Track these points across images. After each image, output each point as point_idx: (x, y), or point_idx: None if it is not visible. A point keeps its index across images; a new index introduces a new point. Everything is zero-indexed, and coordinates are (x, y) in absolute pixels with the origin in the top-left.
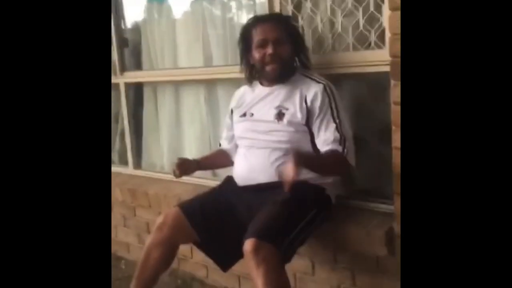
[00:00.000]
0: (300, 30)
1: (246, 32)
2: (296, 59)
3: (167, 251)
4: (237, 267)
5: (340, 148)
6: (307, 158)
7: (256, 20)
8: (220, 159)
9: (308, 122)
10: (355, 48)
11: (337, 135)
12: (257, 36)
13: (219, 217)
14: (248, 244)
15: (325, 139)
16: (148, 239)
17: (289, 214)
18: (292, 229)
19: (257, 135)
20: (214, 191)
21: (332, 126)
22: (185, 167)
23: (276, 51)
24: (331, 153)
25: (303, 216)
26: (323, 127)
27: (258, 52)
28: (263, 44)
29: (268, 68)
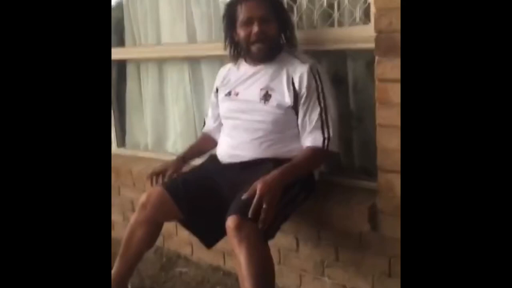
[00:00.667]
0: (285, 6)
1: (231, 9)
2: (282, 36)
3: (151, 229)
4: (221, 244)
5: (320, 140)
6: (284, 177)
7: None
8: (205, 144)
9: (295, 105)
10: (340, 24)
11: (320, 122)
12: (242, 13)
13: (203, 195)
14: (230, 221)
15: (307, 124)
16: (132, 218)
17: None
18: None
19: (242, 114)
20: (197, 169)
21: (317, 111)
22: (165, 174)
23: (262, 30)
24: (309, 152)
25: (285, 192)
26: (308, 112)
27: (243, 30)
28: (248, 22)
29: (254, 47)
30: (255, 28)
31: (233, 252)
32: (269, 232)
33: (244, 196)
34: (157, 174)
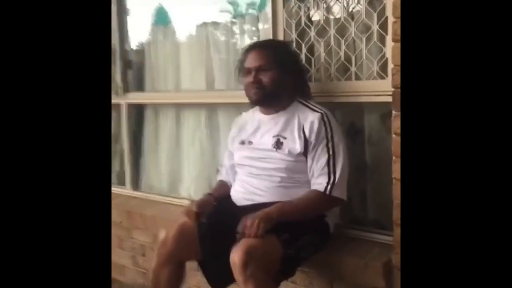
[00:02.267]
0: (301, 57)
1: (240, 59)
2: (292, 85)
3: (175, 268)
4: None
5: (323, 184)
6: (278, 215)
7: (249, 47)
8: (224, 189)
9: (305, 152)
10: (357, 78)
11: (327, 169)
12: (244, 64)
13: (219, 236)
14: (236, 257)
15: (315, 170)
16: (153, 263)
17: (285, 232)
18: (286, 247)
19: (255, 162)
20: (214, 211)
21: (324, 158)
22: (204, 208)
23: (256, 79)
24: (310, 194)
25: (298, 236)
26: (316, 158)
27: (244, 80)
28: (247, 73)
29: (250, 93)
30: (249, 78)
31: None
32: (282, 273)
33: (237, 235)
34: (196, 213)
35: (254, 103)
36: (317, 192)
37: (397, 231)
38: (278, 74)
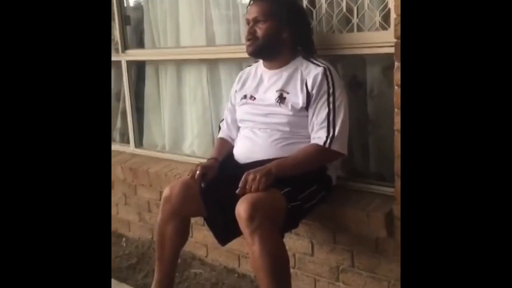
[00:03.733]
0: (305, 11)
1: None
2: (295, 39)
3: (180, 223)
4: (237, 246)
5: (323, 138)
6: (278, 169)
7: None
8: (225, 148)
9: (307, 106)
10: (359, 29)
11: (326, 122)
12: (245, 15)
13: (223, 193)
14: (242, 210)
15: (315, 124)
16: (158, 217)
17: (288, 185)
18: (290, 199)
19: (258, 117)
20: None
21: (325, 112)
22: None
23: (251, 30)
24: (310, 148)
25: (303, 188)
26: (316, 112)
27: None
28: (247, 23)
29: (246, 45)
30: (246, 29)
31: (248, 253)
32: (287, 225)
33: (238, 191)
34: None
35: (248, 55)
36: (316, 146)
37: (398, 182)
38: (273, 27)
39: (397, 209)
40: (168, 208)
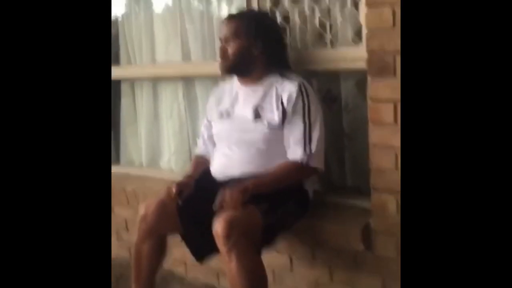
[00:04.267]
0: (279, 27)
1: None
2: (266, 53)
3: (157, 242)
4: (216, 263)
5: (299, 155)
6: (255, 187)
7: (224, 19)
8: (202, 165)
9: (283, 122)
10: (332, 45)
11: (302, 138)
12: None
13: (200, 209)
14: (219, 227)
15: (291, 141)
16: (136, 238)
17: (264, 202)
18: (267, 217)
19: (234, 133)
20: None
21: (300, 127)
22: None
23: (223, 49)
24: (287, 165)
25: (279, 205)
26: (292, 128)
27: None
28: (220, 42)
29: (219, 63)
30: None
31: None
32: (264, 242)
33: (214, 207)
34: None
35: (221, 73)
36: (293, 162)
37: (374, 195)
38: (244, 44)
39: (374, 222)
40: (144, 227)
